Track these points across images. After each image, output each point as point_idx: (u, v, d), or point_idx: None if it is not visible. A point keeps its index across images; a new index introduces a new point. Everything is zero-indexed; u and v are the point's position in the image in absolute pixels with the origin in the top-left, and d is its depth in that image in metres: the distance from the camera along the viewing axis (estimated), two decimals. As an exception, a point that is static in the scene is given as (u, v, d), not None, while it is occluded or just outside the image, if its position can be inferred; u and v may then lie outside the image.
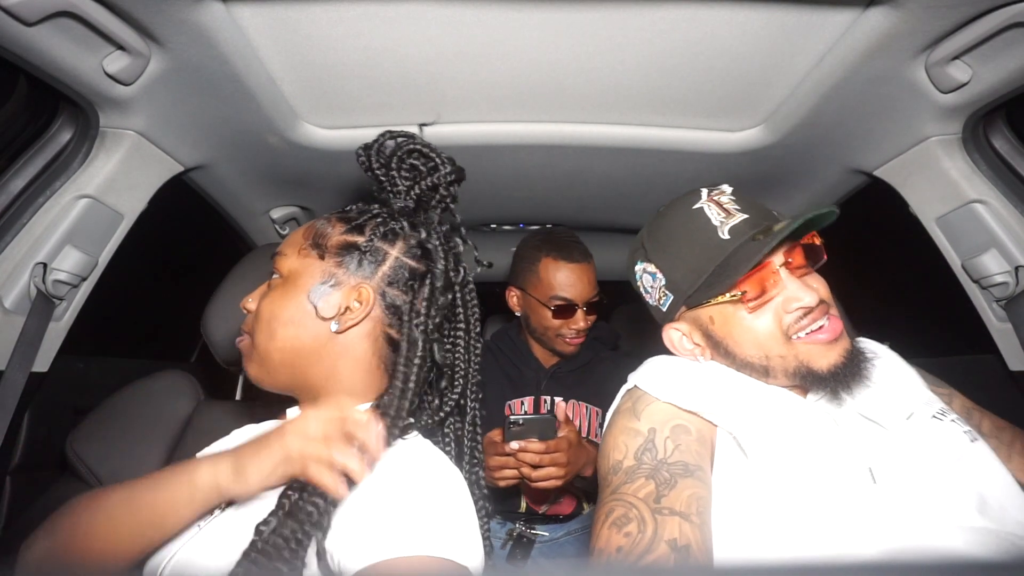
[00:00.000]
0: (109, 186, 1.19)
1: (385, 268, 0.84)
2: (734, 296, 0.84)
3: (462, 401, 0.89)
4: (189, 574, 0.70)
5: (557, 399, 1.65)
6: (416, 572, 0.61)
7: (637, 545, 0.68)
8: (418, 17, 0.97)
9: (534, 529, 1.54)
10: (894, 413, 0.84)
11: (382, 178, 0.89)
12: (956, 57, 0.98)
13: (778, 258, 0.85)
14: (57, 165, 1.14)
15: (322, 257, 0.83)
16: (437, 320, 0.84)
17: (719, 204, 0.88)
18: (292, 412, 0.88)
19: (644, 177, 1.57)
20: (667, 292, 0.92)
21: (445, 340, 0.88)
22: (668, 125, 1.31)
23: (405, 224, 0.85)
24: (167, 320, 2.20)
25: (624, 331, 2.25)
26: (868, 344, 0.94)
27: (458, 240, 0.90)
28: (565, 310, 1.58)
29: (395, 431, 0.75)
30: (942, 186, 1.23)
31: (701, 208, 0.88)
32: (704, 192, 0.91)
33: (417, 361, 0.80)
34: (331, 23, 0.98)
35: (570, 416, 1.62)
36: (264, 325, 0.82)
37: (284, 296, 0.82)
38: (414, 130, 0.90)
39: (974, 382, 1.25)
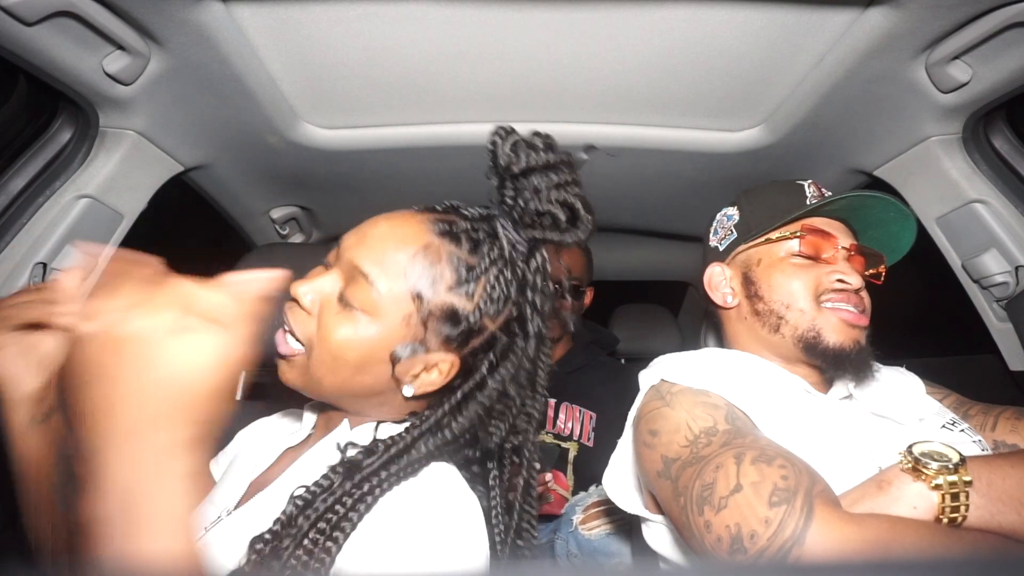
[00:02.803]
0: (109, 186, 1.19)
1: (478, 342, 0.72)
2: (795, 233, 0.92)
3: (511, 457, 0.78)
4: None
5: (551, 400, 1.64)
6: None
7: (799, 475, 0.66)
8: (418, 17, 0.97)
9: None
10: (908, 414, 0.89)
11: (507, 190, 0.74)
12: (956, 57, 0.98)
13: (844, 241, 0.93)
14: (57, 165, 1.14)
15: (424, 325, 0.70)
16: (490, 403, 0.73)
17: (819, 188, 0.97)
18: (308, 416, 0.86)
19: (644, 177, 1.57)
20: (733, 231, 1.00)
21: (495, 421, 0.75)
22: (668, 125, 1.31)
23: (514, 291, 0.72)
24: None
25: (624, 331, 2.25)
26: (881, 367, 0.98)
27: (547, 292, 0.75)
28: None
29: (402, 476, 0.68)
30: (942, 186, 1.23)
31: (802, 184, 0.98)
32: (810, 180, 1.00)
33: (454, 429, 0.71)
34: (331, 23, 0.98)
35: (563, 419, 1.62)
36: (328, 357, 0.69)
37: (362, 338, 0.69)
38: (577, 153, 0.77)
39: (974, 382, 1.25)
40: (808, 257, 0.92)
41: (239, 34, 0.98)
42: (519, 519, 0.78)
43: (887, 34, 0.93)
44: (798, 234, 0.92)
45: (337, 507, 0.64)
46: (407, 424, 0.72)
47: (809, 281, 0.90)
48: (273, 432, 0.92)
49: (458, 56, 1.07)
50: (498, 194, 0.76)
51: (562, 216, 0.72)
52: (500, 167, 0.74)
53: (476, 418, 0.71)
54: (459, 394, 0.71)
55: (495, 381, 0.71)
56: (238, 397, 1.83)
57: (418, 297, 0.69)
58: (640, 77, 1.14)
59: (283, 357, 0.73)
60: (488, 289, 0.71)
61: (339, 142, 1.33)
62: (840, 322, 0.88)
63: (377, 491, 0.65)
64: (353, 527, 0.63)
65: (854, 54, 0.99)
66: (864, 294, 0.92)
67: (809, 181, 0.98)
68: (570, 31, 1.00)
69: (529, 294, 0.72)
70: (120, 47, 0.97)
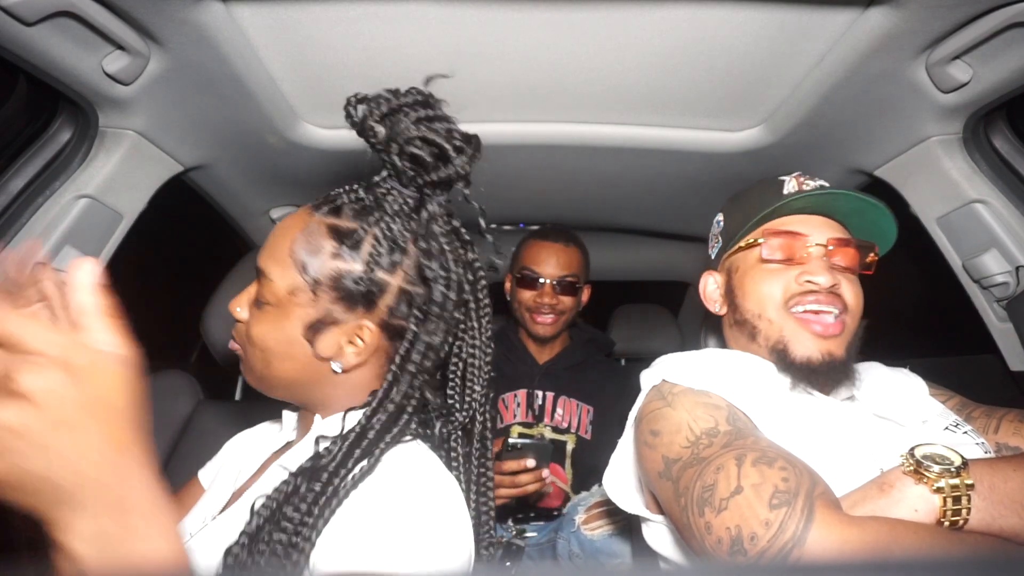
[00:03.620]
0: (109, 186, 1.19)
1: (388, 300, 0.73)
2: (757, 240, 0.90)
3: (469, 425, 0.80)
4: None
5: (549, 393, 1.67)
6: None
7: (800, 477, 0.65)
8: (418, 17, 0.97)
9: (524, 533, 1.54)
10: (910, 415, 0.87)
11: (379, 148, 0.75)
12: (956, 57, 0.98)
13: (819, 238, 0.89)
14: (57, 165, 1.14)
15: (315, 295, 0.72)
16: (428, 363, 0.74)
17: (799, 180, 0.94)
18: (288, 416, 0.87)
19: (644, 177, 1.57)
20: (719, 239, 0.99)
21: (450, 372, 0.79)
22: (668, 125, 1.31)
23: (408, 241, 0.73)
24: (167, 320, 2.20)
25: (624, 331, 2.25)
26: (880, 368, 0.97)
27: (467, 247, 0.78)
28: (530, 281, 1.65)
29: (366, 461, 0.69)
30: (943, 186, 1.23)
31: (783, 180, 0.95)
32: (797, 172, 0.96)
33: (396, 400, 0.72)
34: (331, 23, 0.98)
35: (560, 412, 1.66)
36: (258, 352, 0.75)
37: (277, 328, 0.73)
38: (423, 88, 0.74)
39: (974, 382, 1.25)
40: (777, 261, 0.89)
41: (239, 34, 0.98)
42: (479, 488, 0.80)
43: (887, 34, 0.93)
44: (760, 240, 0.91)
45: (302, 507, 0.64)
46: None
47: (778, 286, 0.88)
48: (258, 440, 0.92)
49: (458, 56, 1.07)
50: (380, 159, 0.76)
51: (423, 154, 0.71)
52: (360, 131, 0.74)
53: (421, 377, 0.73)
54: (398, 357, 0.73)
55: (427, 334, 0.72)
56: (237, 397, 1.84)
57: (305, 273, 0.72)
58: (640, 77, 1.13)
59: (237, 358, 0.80)
60: (375, 246, 0.72)
61: (339, 142, 1.32)
62: (809, 334, 0.86)
63: (347, 482, 0.66)
64: (326, 522, 0.64)
65: (854, 54, 0.99)
66: (845, 291, 0.88)
67: (794, 174, 0.95)
68: (570, 31, 1.00)
69: (423, 243, 0.73)
70: (120, 47, 0.97)
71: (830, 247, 0.89)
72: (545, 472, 1.30)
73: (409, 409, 0.74)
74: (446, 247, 0.74)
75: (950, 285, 1.30)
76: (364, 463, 0.68)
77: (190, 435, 1.38)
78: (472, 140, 0.75)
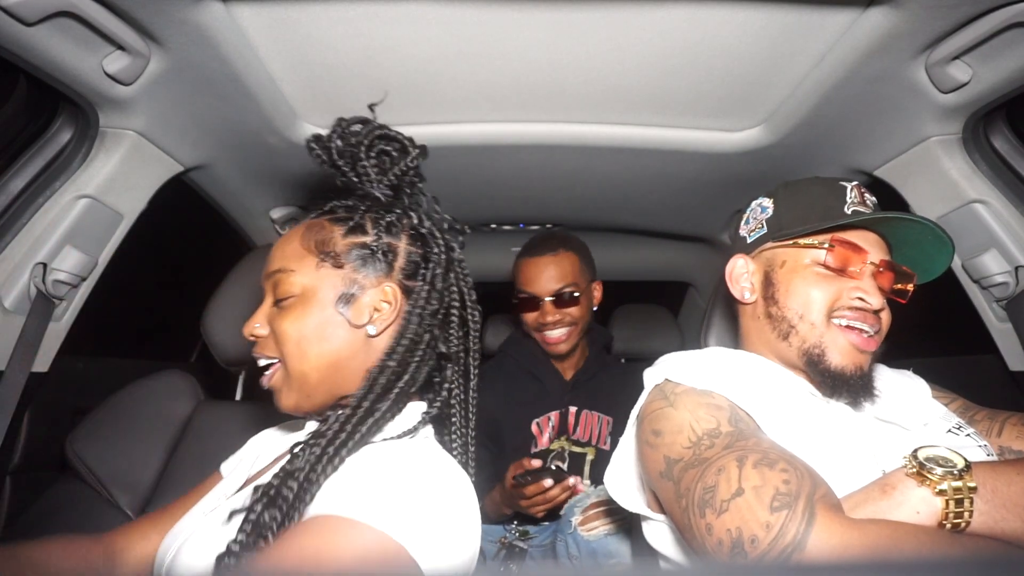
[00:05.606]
0: (109, 186, 1.19)
1: (400, 262, 0.82)
2: (823, 243, 0.89)
3: (462, 394, 0.87)
4: (196, 563, 0.70)
5: (573, 408, 1.66)
6: (337, 533, 0.60)
7: (801, 479, 0.65)
8: (418, 17, 0.97)
9: (527, 533, 1.54)
10: (912, 418, 0.88)
11: (347, 170, 0.85)
12: (956, 57, 0.98)
13: (874, 257, 0.89)
14: (57, 165, 1.14)
15: (339, 266, 0.80)
16: (437, 306, 0.82)
17: (861, 192, 0.93)
18: (310, 425, 0.87)
19: (644, 177, 1.57)
20: (764, 225, 0.97)
21: (450, 327, 0.85)
22: (668, 125, 1.31)
23: (398, 211, 0.84)
24: (167, 320, 2.20)
25: (624, 331, 2.25)
26: (883, 370, 0.98)
27: (442, 216, 0.88)
28: (526, 304, 1.60)
29: (383, 406, 0.75)
30: (942, 186, 1.23)
31: (845, 186, 0.93)
32: (855, 181, 0.95)
33: (412, 340, 0.79)
34: (331, 23, 0.98)
35: (581, 425, 1.66)
36: (294, 347, 0.78)
37: (307, 313, 0.78)
38: (369, 115, 0.88)
39: (974, 382, 1.25)
40: (833, 269, 0.89)
41: (239, 34, 0.98)
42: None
43: (887, 34, 0.93)
44: (827, 245, 0.89)
45: (299, 475, 0.68)
46: None
47: (828, 294, 0.88)
48: (281, 436, 0.95)
49: (458, 56, 1.07)
50: (350, 177, 0.87)
51: (389, 147, 0.85)
52: (328, 155, 0.87)
53: (431, 320, 0.81)
54: (411, 303, 0.81)
55: (429, 284, 0.82)
56: (237, 397, 1.84)
57: (324, 253, 0.80)
58: (640, 77, 1.14)
59: (271, 386, 0.81)
60: (375, 220, 0.82)
61: (339, 142, 1.32)
62: (848, 345, 0.86)
63: (361, 429, 0.73)
64: (319, 487, 0.68)
65: (854, 54, 0.99)
66: (883, 315, 0.89)
67: (853, 183, 0.94)
68: (570, 31, 1.00)
69: (413, 216, 0.84)
70: (120, 47, 0.97)
71: (881, 268, 0.90)
72: (571, 480, 1.36)
73: (420, 351, 0.80)
74: (427, 217, 0.85)
75: (950, 285, 1.30)
76: (378, 413, 0.74)
77: (190, 435, 1.38)
78: (415, 141, 0.87)
